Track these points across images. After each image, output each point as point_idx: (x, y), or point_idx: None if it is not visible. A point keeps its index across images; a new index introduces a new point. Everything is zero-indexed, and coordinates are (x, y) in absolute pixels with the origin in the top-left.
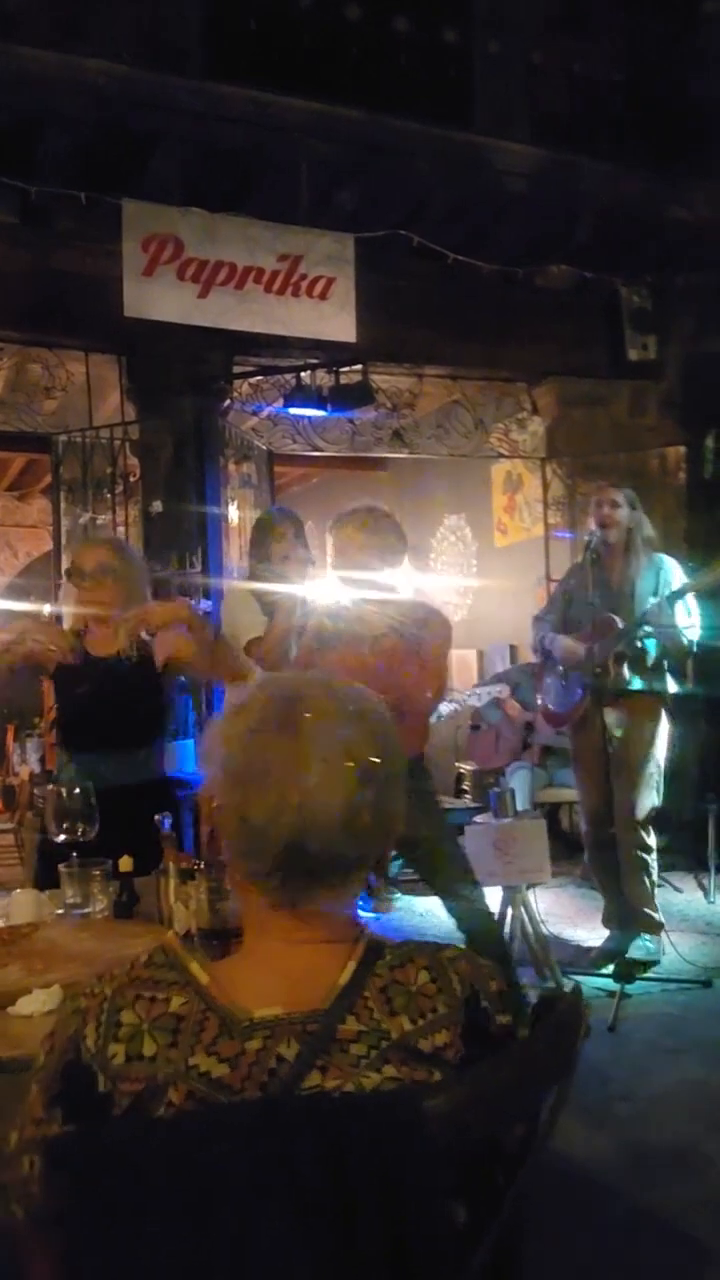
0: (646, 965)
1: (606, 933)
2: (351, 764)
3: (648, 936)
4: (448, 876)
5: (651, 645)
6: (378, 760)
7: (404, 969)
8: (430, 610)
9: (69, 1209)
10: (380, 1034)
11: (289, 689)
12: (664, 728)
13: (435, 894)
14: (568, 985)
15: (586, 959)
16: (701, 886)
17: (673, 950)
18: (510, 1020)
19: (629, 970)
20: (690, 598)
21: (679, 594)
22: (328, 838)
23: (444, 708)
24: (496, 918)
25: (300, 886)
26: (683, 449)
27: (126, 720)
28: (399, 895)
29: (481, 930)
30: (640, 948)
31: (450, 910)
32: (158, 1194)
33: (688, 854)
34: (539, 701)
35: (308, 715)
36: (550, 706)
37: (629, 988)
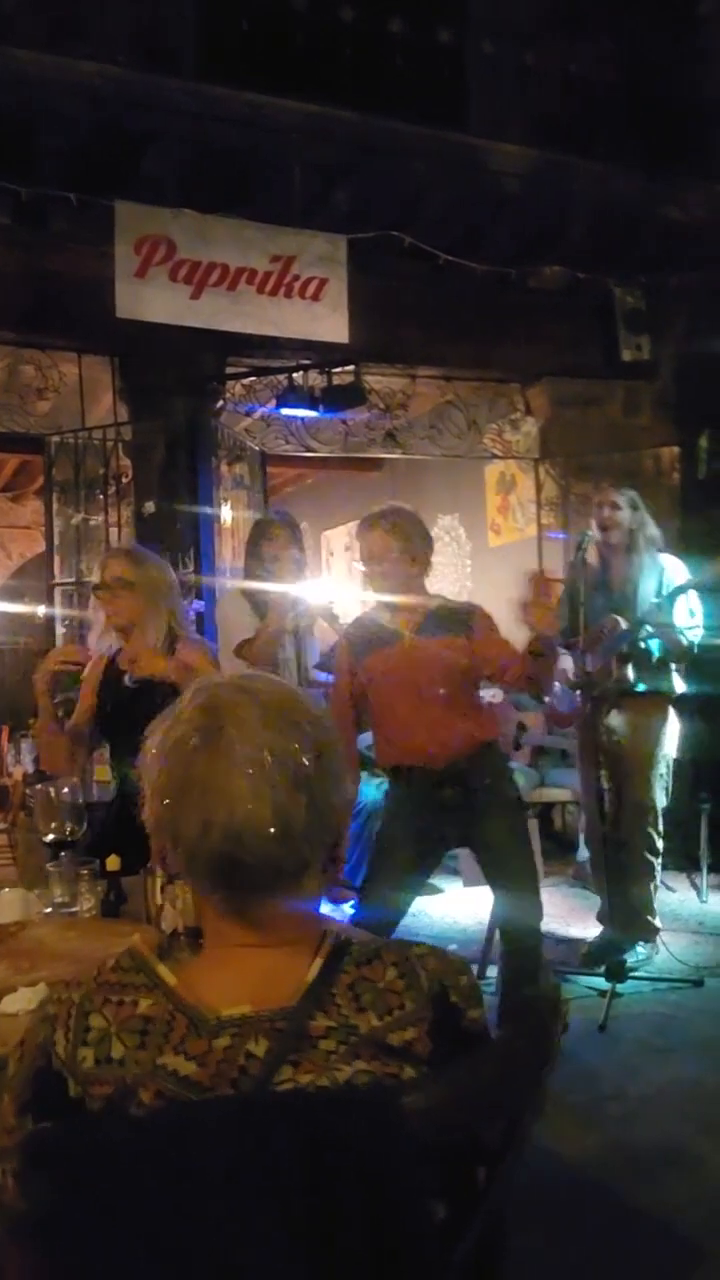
0: (637, 965)
1: (597, 930)
2: (279, 771)
3: (641, 944)
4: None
5: (655, 645)
6: (307, 761)
7: (372, 966)
8: (466, 603)
9: (48, 1209)
10: (349, 1029)
11: (211, 698)
12: (671, 726)
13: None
14: (562, 985)
15: (577, 956)
16: (694, 886)
17: (665, 949)
18: (482, 1014)
19: (620, 969)
20: (693, 596)
21: (677, 592)
22: (262, 849)
23: None
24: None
25: (242, 898)
26: (677, 449)
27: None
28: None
29: (522, 944)
30: (633, 954)
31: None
32: (137, 1191)
33: (680, 853)
34: (545, 702)
35: (228, 726)
36: (558, 708)
37: (620, 987)
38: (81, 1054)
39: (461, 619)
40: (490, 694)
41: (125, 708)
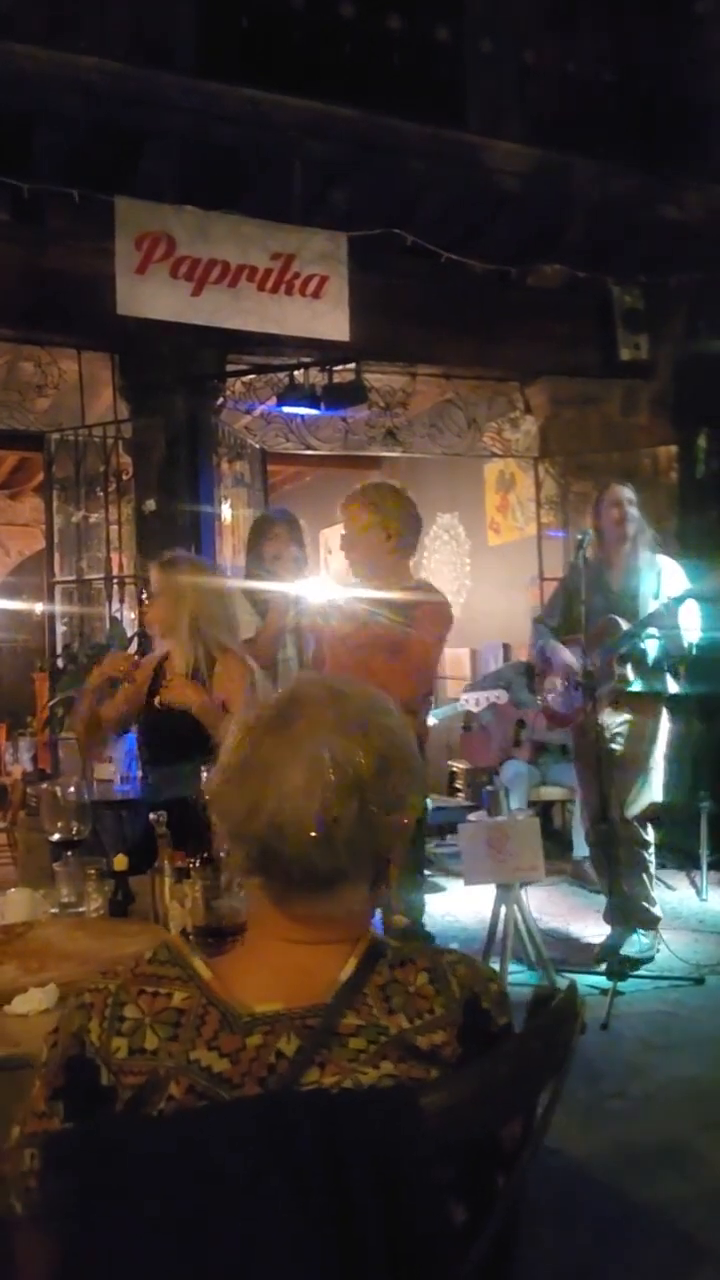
0: (639, 963)
1: (603, 930)
2: (336, 774)
3: (643, 932)
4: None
5: (657, 646)
6: (368, 772)
7: (404, 969)
8: (425, 602)
9: (67, 1205)
10: (379, 1029)
11: (297, 690)
12: (664, 726)
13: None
14: (562, 982)
15: (583, 956)
16: (694, 884)
17: (665, 948)
18: (509, 1020)
19: (622, 967)
20: (692, 601)
21: (684, 597)
22: (300, 847)
23: (443, 709)
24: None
25: (280, 889)
26: (674, 448)
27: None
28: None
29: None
30: (635, 943)
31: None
32: (157, 1191)
33: (680, 852)
34: (541, 702)
35: (302, 720)
36: (555, 708)
37: (622, 985)
38: (115, 1043)
39: (402, 621)
40: (495, 695)
41: (151, 724)
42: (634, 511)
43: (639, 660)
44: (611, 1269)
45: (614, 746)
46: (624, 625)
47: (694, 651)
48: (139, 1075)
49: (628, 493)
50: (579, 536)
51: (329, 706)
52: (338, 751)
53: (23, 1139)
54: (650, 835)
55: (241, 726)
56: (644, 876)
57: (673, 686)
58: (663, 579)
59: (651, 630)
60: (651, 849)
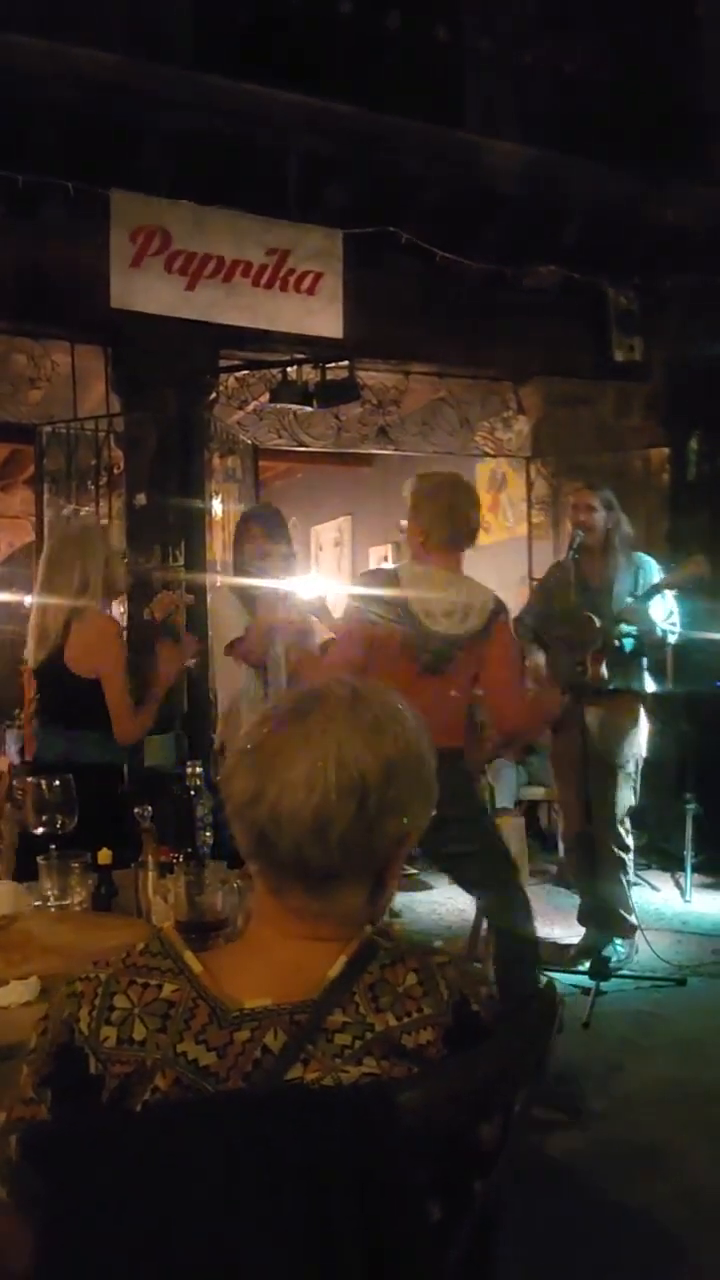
0: (617, 965)
1: (582, 930)
2: (339, 773)
3: (619, 941)
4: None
5: (629, 644)
6: (374, 776)
7: (394, 968)
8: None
9: (43, 1197)
10: (365, 1026)
11: (320, 686)
12: (643, 726)
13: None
14: (543, 982)
15: (563, 956)
16: (678, 886)
17: (648, 948)
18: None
19: (604, 968)
20: (669, 596)
21: (653, 592)
22: (294, 840)
23: None
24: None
25: (275, 878)
26: (666, 450)
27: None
28: None
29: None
30: (612, 951)
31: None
32: (131, 1185)
33: (664, 853)
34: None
35: (317, 714)
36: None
37: (604, 985)
38: (104, 1032)
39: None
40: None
41: (56, 680)
42: (603, 514)
43: (614, 657)
44: (590, 1268)
45: (590, 747)
46: (598, 622)
47: (669, 643)
48: (126, 1065)
49: (596, 496)
50: (574, 537)
51: (347, 706)
52: (346, 751)
53: (9, 1125)
54: (630, 840)
55: (261, 713)
56: (623, 882)
57: (650, 685)
58: (643, 577)
59: (626, 627)
60: (631, 854)
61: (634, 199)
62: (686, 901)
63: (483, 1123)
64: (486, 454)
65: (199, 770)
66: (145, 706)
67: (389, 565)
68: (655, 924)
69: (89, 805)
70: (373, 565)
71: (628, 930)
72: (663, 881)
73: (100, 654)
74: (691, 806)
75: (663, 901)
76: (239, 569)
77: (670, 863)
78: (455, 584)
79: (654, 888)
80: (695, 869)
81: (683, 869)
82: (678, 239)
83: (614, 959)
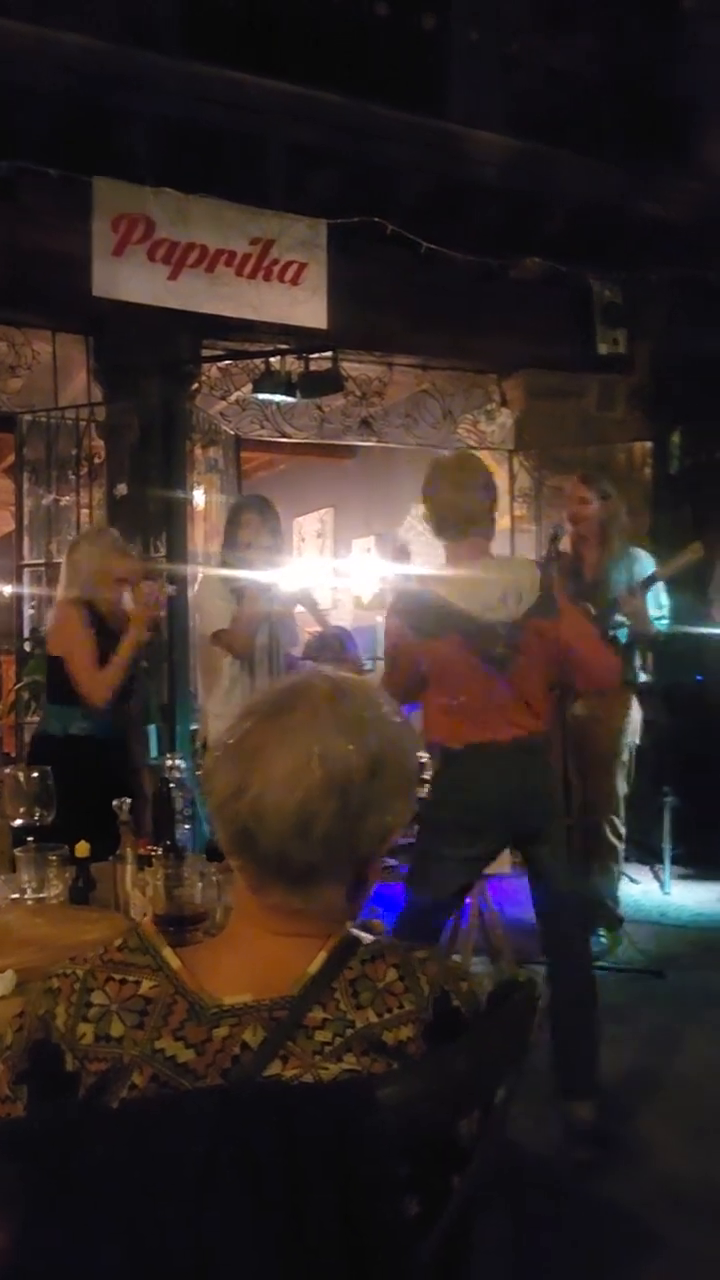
0: (598, 955)
1: None
2: (321, 769)
3: (603, 932)
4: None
5: (622, 634)
6: (356, 772)
7: (374, 964)
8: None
9: (17, 1194)
10: (345, 1023)
11: (301, 680)
12: (635, 715)
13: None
14: (523, 974)
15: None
16: (656, 878)
17: (626, 940)
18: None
19: None
20: (660, 587)
21: (651, 581)
22: (276, 836)
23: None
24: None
25: (256, 874)
26: (649, 444)
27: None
28: None
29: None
30: (595, 942)
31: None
32: (110, 1181)
33: (643, 845)
34: None
35: (299, 710)
36: None
37: None
38: (81, 1029)
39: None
40: None
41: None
42: (598, 505)
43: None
44: (566, 1261)
45: (583, 737)
46: (592, 611)
47: (660, 638)
48: (103, 1062)
49: (592, 488)
50: (552, 531)
51: (330, 702)
52: (329, 747)
53: None
54: (624, 829)
55: (244, 708)
56: (614, 872)
57: (642, 675)
58: (636, 569)
59: (618, 617)
60: (623, 843)
61: (619, 192)
62: (665, 894)
63: (463, 1117)
64: (469, 446)
65: (178, 763)
66: (111, 661)
67: (420, 570)
68: (634, 916)
69: (95, 776)
70: (355, 557)
71: (614, 921)
72: (641, 874)
73: (58, 634)
74: (670, 799)
75: (642, 893)
76: (226, 557)
77: (648, 855)
78: (491, 567)
79: (633, 880)
80: (674, 861)
81: (661, 861)
82: (663, 232)
83: (596, 949)
